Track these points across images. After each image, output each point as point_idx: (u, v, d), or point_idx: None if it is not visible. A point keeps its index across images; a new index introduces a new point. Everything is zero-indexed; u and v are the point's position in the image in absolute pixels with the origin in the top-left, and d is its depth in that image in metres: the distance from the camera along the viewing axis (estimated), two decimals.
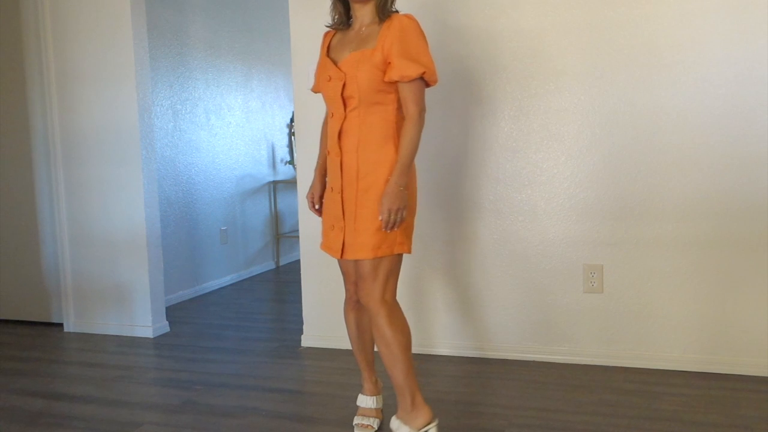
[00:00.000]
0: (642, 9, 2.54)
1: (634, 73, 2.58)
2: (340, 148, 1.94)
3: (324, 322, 3.09)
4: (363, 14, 1.94)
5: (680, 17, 2.50)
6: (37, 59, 3.54)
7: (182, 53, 4.31)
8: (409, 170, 1.87)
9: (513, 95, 2.73)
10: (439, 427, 2.08)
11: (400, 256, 1.93)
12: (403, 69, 1.83)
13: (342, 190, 1.94)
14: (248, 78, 5.05)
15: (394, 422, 1.93)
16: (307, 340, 3.13)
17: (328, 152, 2.00)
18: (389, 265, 1.90)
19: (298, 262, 5.31)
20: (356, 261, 1.92)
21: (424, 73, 1.84)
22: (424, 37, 1.89)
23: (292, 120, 5.53)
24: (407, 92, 1.86)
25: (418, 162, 2.31)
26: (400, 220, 1.85)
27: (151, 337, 3.39)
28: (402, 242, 1.90)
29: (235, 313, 3.89)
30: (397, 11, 1.96)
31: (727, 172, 2.49)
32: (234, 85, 4.86)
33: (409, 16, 1.89)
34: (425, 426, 1.88)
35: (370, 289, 1.90)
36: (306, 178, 3.07)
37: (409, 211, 1.89)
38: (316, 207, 2.14)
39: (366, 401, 2.16)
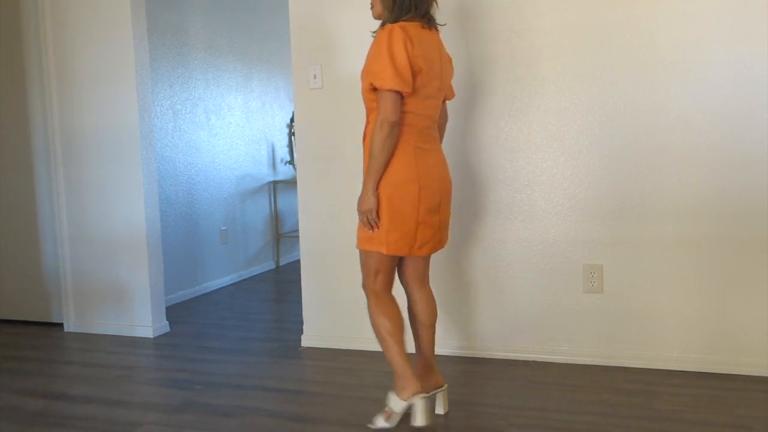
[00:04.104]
0: (642, 9, 2.54)
1: (634, 73, 2.57)
2: (364, 149, 2.11)
3: (324, 322, 3.09)
4: None
5: (680, 17, 2.50)
6: (37, 59, 3.54)
7: (182, 53, 4.31)
8: (373, 175, 1.97)
9: (513, 95, 2.73)
10: (439, 426, 2.10)
11: (385, 255, 2.04)
12: (362, 81, 2.01)
13: None
14: (248, 78, 5.05)
15: (389, 394, 2.06)
16: (307, 340, 3.13)
17: None
18: (375, 259, 2.05)
19: (298, 262, 5.32)
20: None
21: (371, 82, 1.95)
22: (387, 45, 1.93)
23: (292, 120, 5.53)
24: (377, 101, 1.98)
25: None
26: (372, 220, 1.99)
27: (151, 337, 3.39)
28: (380, 242, 2.02)
29: (235, 313, 3.89)
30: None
31: (727, 172, 2.49)
32: (234, 85, 4.86)
33: (384, 28, 1.98)
34: (411, 396, 1.98)
35: (364, 278, 2.11)
36: (306, 178, 3.07)
37: (389, 215, 1.99)
38: None
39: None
